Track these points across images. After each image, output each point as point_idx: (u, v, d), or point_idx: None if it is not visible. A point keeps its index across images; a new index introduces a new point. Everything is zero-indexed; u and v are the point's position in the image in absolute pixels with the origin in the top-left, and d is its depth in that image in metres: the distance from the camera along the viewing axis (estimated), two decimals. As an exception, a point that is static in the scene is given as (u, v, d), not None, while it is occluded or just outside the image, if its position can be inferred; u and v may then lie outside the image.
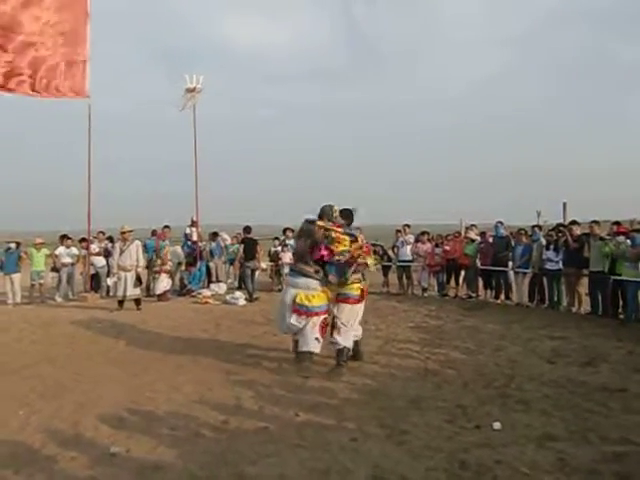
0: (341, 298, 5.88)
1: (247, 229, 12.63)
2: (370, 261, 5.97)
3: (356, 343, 6.10)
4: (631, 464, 3.36)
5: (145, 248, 11.66)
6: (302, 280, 5.79)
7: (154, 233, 12.93)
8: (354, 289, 5.87)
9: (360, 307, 5.96)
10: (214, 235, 14.11)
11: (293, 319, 5.72)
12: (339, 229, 5.77)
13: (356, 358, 6.09)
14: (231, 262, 14.05)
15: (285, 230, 14.26)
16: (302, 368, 5.66)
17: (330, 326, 5.87)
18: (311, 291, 5.74)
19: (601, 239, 8.94)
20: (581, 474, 3.24)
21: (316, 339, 5.70)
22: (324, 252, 5.71)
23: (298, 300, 5.68)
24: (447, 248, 12.01)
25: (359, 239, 5.80)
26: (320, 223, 5.81)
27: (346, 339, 5.79)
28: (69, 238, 12.69)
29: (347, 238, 5.73)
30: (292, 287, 5.87)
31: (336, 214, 5.87)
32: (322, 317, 5.73)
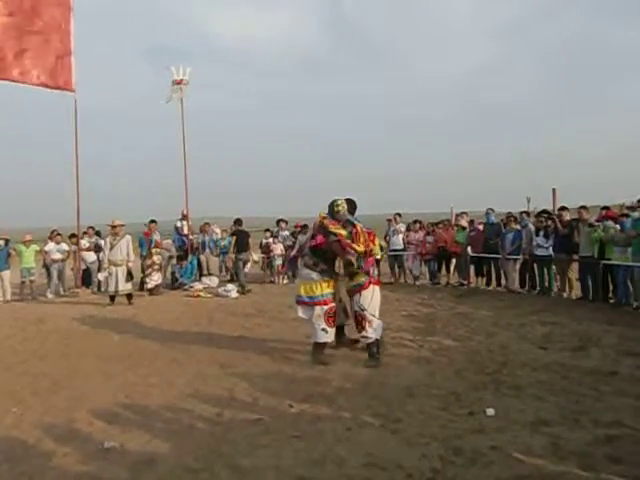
0: (356, 289, 5.84)
1: (238, 221, 12.60)
2: (376, 250, 5.99)
3: (343, 328, 6.15)
4: (623, 447, 3.39)
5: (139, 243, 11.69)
6: (304, 272, 5.87)
7: None
8: (362, 276, 5.85)
9: (377, 291, 5.84)
10: (205, 226, 14.00)
11: (300, 312, 5.87)
12: (334, 226, 5.71)
13: (341, 342, 6.11)
14: (224, 254, 13.99)
15: (279, 221, 14.24)
16: (313, 360, 5.69)
17: (356, 322, 5.79)
18: (310, 282, 5.79)
19: (590, 225, 8.97)
20: (574, 457, 3.27)
21: (323, 330, 5.69)
22: (318, 240, 5.74)
23: (302, 292, 5.80)
24: (441, 232, 12.06)
25: (357, 227, 5.72)
26: (322, 214, 5.84)
27: (376, 331, 5.68)
28: (59, 234, 12.60)
29: (344, 233, 5.67)
30: (298, 279, 6.01)
31: (338, 208, 5.76)
32: (326, 307, 5.71)
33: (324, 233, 5.71)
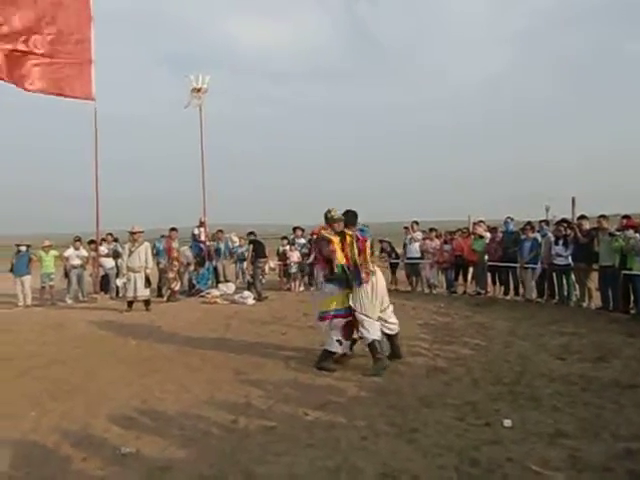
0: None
1: (252, 233, 12.87)
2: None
3: (392, 338, 6.02)
4: (644, 461, 3.33)
5: (155, 250, 11.82)
6: (324, 286, 5.87)
7: None
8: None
9: (365, 289, 5.68)
10: (218, 233, 14.03)
11: (317, 324, 6.03)
12: (325, 230, 5.80)
13: (395, 355, 5.98)
14: (241, 261, 14.02)
15: (295, 229, 14.26)
16: (317, 364, 5.73)
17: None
18: (326, 295, 5.83)
19: (611, 235, 8.86)
20: (593, 471, 3.22)
21: (338, 341, 5.73)
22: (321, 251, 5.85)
23: (318, 307, 5.91)
24: (459, 240, 11.98)
25: (347, 238, 5.72)
26: (322, 227, 5.91)
27: (372, 331, 5.63)
28: (79, 240, 12.79)
29: (335, 238, 5.71)
30: (321, 294, 5.99)
31: (331, 215, 5.81)
32: (344, 320, 5.73)
33: (322, 240, 5.78)
